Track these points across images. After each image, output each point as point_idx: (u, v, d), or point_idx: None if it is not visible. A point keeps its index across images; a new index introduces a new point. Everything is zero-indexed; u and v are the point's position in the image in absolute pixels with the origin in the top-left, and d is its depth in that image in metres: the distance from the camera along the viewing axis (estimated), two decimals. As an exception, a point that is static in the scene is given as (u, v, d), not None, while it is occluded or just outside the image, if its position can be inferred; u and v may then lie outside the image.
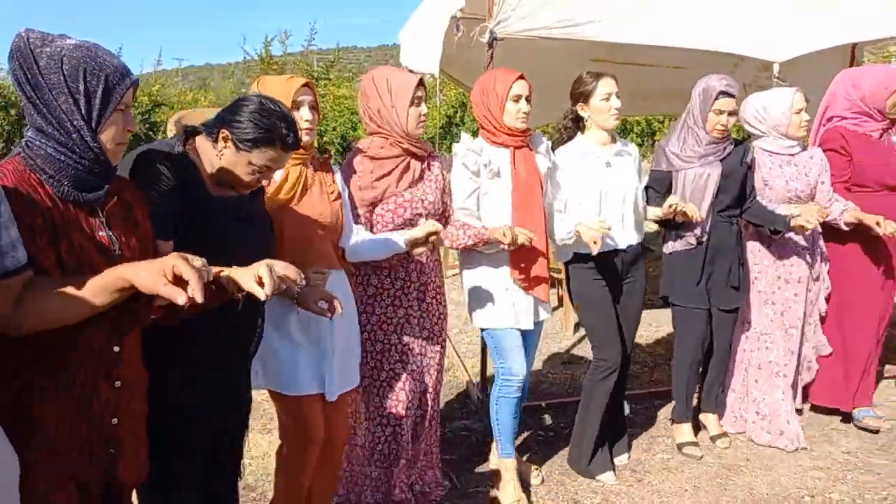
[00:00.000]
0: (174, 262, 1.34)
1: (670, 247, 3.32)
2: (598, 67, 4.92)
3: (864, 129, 3.50)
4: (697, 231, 3.21)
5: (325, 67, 11.74)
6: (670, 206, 3.04)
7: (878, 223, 3.22)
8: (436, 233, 2.44)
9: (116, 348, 1.54)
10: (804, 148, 3.46)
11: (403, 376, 2.71)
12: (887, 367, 4.21)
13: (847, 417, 3.68)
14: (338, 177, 2.47)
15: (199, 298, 1.32)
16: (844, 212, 3.38)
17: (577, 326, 5.40)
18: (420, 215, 2.64)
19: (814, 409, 3.77)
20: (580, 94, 3.02)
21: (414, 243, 2.47)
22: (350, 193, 2.54)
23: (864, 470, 3.27)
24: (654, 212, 3.19)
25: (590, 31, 3.49)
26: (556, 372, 4.58)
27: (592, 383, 3.13)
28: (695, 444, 3.43)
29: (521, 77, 2.81)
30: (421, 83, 2.59)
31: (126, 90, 1.49)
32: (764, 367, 3.52)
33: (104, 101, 1.46)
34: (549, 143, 3.01)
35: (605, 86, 2.97)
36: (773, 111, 3.35)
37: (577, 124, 3.10)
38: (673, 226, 3.25)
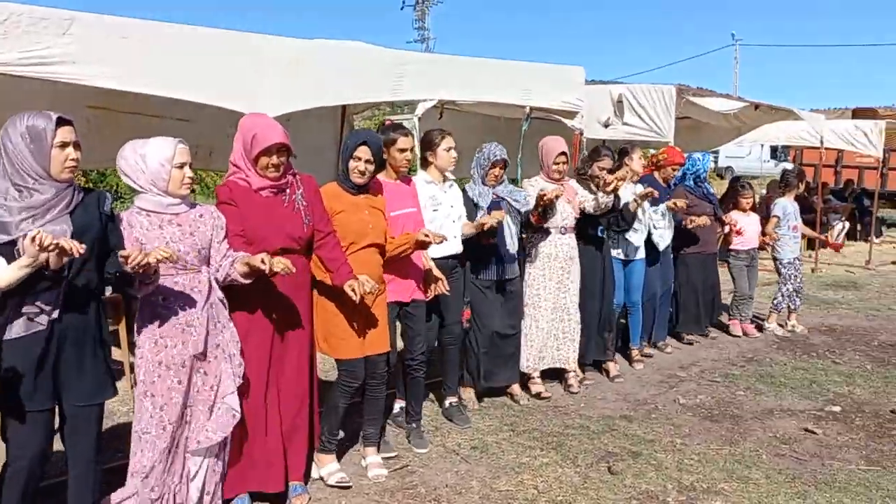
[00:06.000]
0: None
1: (9, 331, 2.51)
2: (95, 114, 4.56)
3: (256, 183, 3.16)
4: (48, 311, 2.54)
5: None
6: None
7: (262, 260, 2.90)
8: None
9: None
10: (193, 206, 3.03)
11: None
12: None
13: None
14: None
15: None
16: (235, 263, 2.99)
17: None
18: None
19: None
20: None
21: None
22: None
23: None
24: None
25: (64, 71, 3.14)
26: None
27: None
28: None
29: None
30: None
31: None
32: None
33: None
34: None
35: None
36: (151, 162, 2.86)
37: None
38: (12, 294, 2.47)
